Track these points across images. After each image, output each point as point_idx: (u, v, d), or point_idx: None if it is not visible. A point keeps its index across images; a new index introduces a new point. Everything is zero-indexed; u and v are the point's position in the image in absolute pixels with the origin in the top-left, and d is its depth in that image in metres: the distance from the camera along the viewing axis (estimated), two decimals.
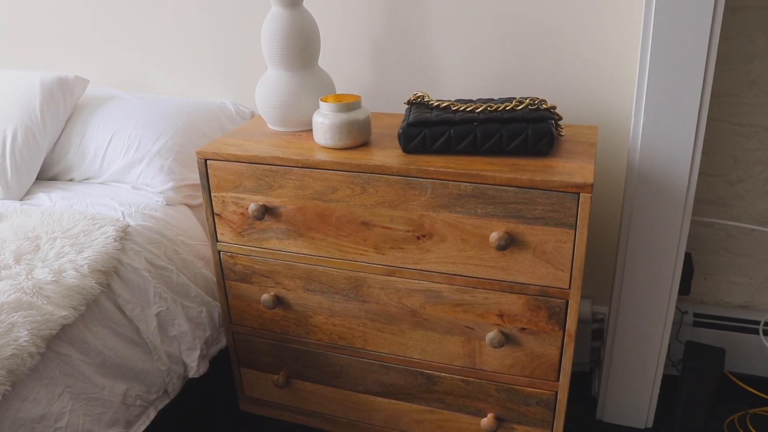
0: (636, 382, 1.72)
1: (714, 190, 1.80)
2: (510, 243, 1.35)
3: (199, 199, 1.84)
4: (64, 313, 1.36)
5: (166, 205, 1.77)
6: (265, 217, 1.54)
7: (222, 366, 1.86)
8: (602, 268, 1.86)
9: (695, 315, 1.90)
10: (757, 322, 1.85)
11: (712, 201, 1.81)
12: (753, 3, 1.58)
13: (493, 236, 1.35)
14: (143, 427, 1.55)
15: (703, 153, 1.75)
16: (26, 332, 1.28)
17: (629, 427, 1.78)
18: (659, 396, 1.85)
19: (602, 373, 1.76)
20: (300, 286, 1.59)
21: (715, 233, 1.85)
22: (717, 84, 1.67)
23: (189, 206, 1.83)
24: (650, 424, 1.78)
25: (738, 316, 1.88)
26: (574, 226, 1.31)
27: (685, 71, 1.38)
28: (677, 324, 1.90)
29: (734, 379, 1.86)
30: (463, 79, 1.77)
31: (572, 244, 1.33)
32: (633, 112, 1.48)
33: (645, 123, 1.45)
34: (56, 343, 1.36)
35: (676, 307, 1.89)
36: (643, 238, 1.55)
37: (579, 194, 1.28)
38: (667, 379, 1.85)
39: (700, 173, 1.77)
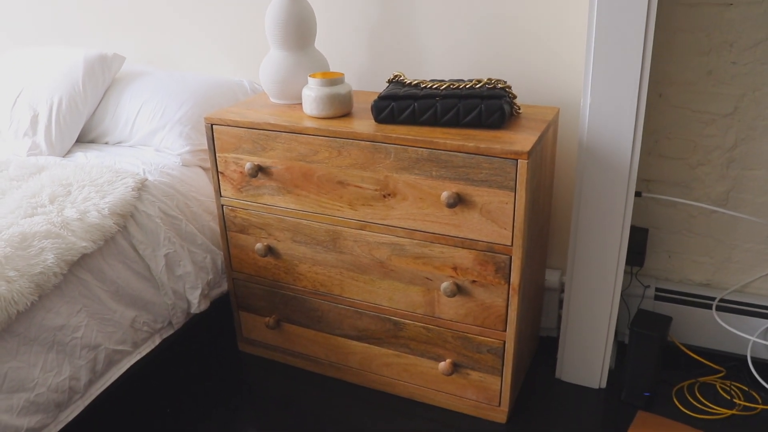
0: (590, 345, 1.89)
1: (676, 172, 1.95)
2: (458, 202, 1.56)
3: None
4: (84, 244, 1.63)
5: (183, 165, 2.04)
6: (259, 175, 1.78)
7: (225, 310, 2.12)
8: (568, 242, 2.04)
9: (657, 290, 2.05)
10: (714, 299, 2.00)
11: (674, 183, 1.97)
12: (708, 0, 1.74)
13: (444, 195, 1.56)
14: (148, 350, 1.81)
15: (666, 137, 1.92)
16: (53, 256, 1.56)
17: (584, 386, 1.95)
18: (618, 361, 2.02)
19: (560, 335, 1.94)
20: (288, 237, 1.82)
21: (678, 213, 2.00)
22: (678, 73, 1.83)
23: (202, 168, 2.10)
24: (603, 385, 1.94)
25: (697, 292, 2.03)
26: (514, 189, 1.51)
27: (624, 59, 1.56)
28: (639, 297, 2.06)
29: (686, 350, 2.01)
30: (444, 63, 1.99)
31: (513, 205, 1.52)
32: (582, 94, 1.66)
33: (591, 104, 1.63)
34: (77, 269, 1.63)
35: (639, 281, 2.05)
36: (593, 211, 1.73)
37: (517, 160, 1.48)
38: (624, 347, 2.02)
39: (664, 156, 1.93)
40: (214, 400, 1.91)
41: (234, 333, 2.13)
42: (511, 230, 1.55)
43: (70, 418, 1.61)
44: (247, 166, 1.76)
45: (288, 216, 1.80)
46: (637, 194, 1.88)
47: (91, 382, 1.65)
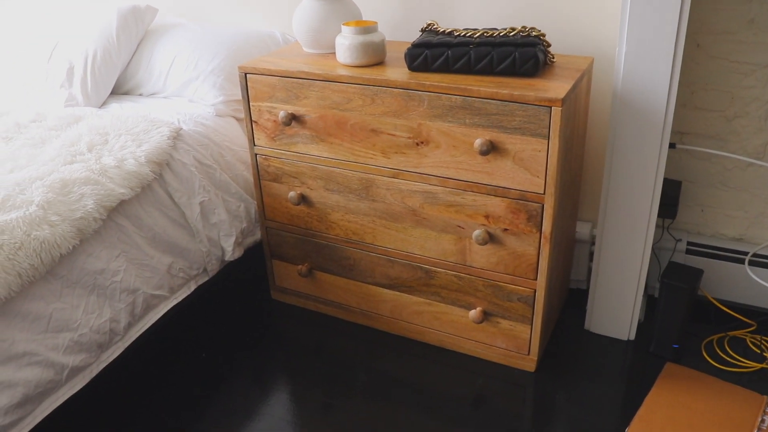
0: (619, 298, 1.90)
1: (711, 125, 1.93)
2: (491, 149, 1.56)
3: None
4: (122, 191, 1.67)
5: (216, 116, 2.06)
6: (292, 124, 1.79)
7: (257, 259, 2.15)
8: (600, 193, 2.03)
9: (689, 243, 2.04)
10: (746, 253, 1.98)
11: (710, 135, 1.94)
12: None
13: (477, 142, 1.56)
14: (183, 296, 1.86)
15: (701, 89, 1.89)
16: (92, 201, 1.60)
17: (612, 338, 1.97)
18: (647, 315, 2.03)
19: (590, 287, 1.95)
20: (321, 186, 1.84)
21: (713, 167, 1.98)
22: (717, 22, 1.79)
23: (236, 119, 2.11)
24: (632, 337, 1.96)
25: (730, 247, 2.02)
26: (547, 137, 1.50)
27: (661, 8, 1.53)
28: (670, 250, 2.05)
29: (717, 304, 2.01)
30: (478, 12, 1.97)
31: (546, 153, 1.52)
32: (617, 43, 1.63)
33: (626, 54, 1.60)
34: (115, 215, 1.67)
35: (670, 234, 2.05)
36: (625, 163, 1.72)
37: (551, 108, 1.47)
38: (653, 301, 2.02)
39: (699, 108, 1.91)
40: (247, 347, 1.97)
41: (267, 281, 2.17)
42: (543, 178, 1.56)
43: (111, 359, 1.66)
44: (281, 114, 1.77)
45: (321, 164, 1.81)
46: (671, 146, 1.86)
47: (130, 325, 1.70)
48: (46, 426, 1.52)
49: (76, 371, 1.57)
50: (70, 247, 1.53)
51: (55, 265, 1.52)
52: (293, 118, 1.78)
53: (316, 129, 1.77)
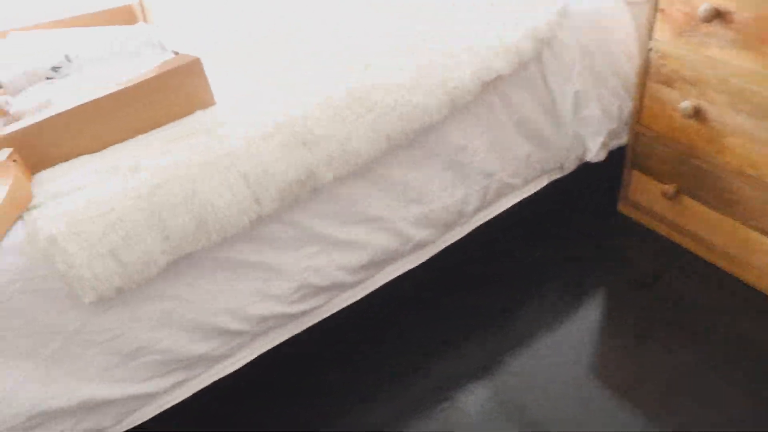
0: None
1: None
2: None
3: None
4: (501, 65, 1.52)
5: None
6: (713, 21, 1.46)
7: (612, 165, 1.92)
8: None
9: None
10: None
11: None
12: None
13: None
14: (534, 190, 1.72)
15: None
16: (469, 72, 1.48)
17: None
18: None
19: None
20: (725, 102, 1.52)
21: None
22: None
23: (627, 2, 1.81)
24: None
25: None
26: None
27: None
28: None
29: None
30: None
31: None
32: None
33: None
34: (487, 90, 1.54)
35: None
36: None
37: None
38: None
39: None
40: (575, 255, 1.80)
41: (615, 191, 1.94)
42: None
43: (451, 240, 1.62)
44: (702, 8, 1.45)
45: (735, 77, 1.48)
46: None
47: (477, 210, 1.62)
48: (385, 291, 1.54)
49: (419, 245, 1.55)
50: (441, 117, 1.45)
51: (420, 134, 1.46)
52: (717, 14, 1.45)
53: (744, 32, 1.42)
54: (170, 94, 1.33)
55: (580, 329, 1.59)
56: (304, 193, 1.33)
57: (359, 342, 1.62)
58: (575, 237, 1.86)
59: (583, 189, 1.99)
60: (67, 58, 1.48)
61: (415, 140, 1.46)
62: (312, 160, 1.31)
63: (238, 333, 1.36)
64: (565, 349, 1.55)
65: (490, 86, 1.54)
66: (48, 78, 1.47)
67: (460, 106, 1.48)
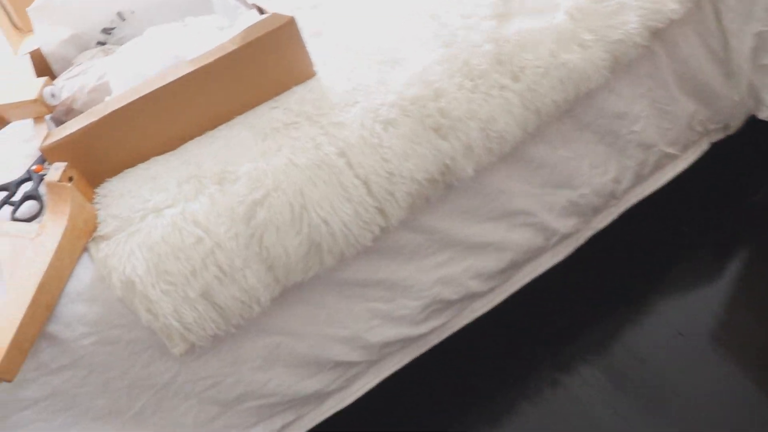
0: None
1: None
2: None
3: None
4: (674, 6, 1.16)
5: None
6: None
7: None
8: None
9: None
10: None
11: None
12: None
13: None
14: (693, 158, 1.38)
15: None
16: (636, 19, 1.13)
17: None
18: None
19: None
20: None
21: None
22: None
23: None
24: None
25: None
26: None
27: None
28: None
29: None
30: None
31: None
32: None
33: None
34: (653, 39, 1.19)
35: None
36: None
37: None
38: None
39: None
40: (722, 224, 1.48)
41: None
42: None
43: (599, 226, 1.31)
44: None
45: None
46: None
47: (630, 188, 1.31)
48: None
49: (562, 238, 1.25)
50: (601, 80, 1.13)
51: (574, 102, 1.14)
52: None
53: None
54: (262, 68, 1.02)
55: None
56: (437, 193, 1.04)
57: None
58: (726, 204, 1.53)
59: (742, 151, 1.60)
60: (120, 16, 1.16)
61: (565, 110, 1.14)
62: (447, 151, 1.01)
63: (355, 363, 1.11)
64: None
65: (657, 34, 1.19)
66: (99, 43, 1.17)
67: (622, 64, 1.15)
